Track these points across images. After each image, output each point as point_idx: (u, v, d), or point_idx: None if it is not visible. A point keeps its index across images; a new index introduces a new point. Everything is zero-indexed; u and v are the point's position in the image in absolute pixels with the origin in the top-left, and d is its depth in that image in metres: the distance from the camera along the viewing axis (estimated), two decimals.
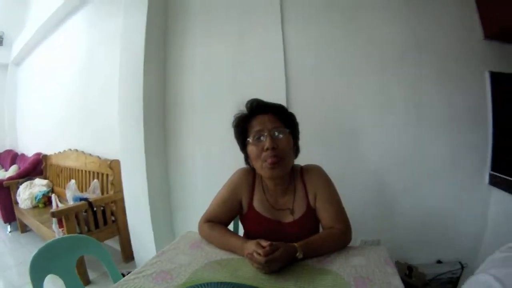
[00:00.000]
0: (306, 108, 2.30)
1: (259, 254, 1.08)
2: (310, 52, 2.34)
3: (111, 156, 3.19)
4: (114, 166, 3.03)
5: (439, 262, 2.29)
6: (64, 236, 1.56)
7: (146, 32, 2.53)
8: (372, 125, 2.30)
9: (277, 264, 1.08)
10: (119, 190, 2.99)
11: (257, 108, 1.31)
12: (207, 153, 2.60)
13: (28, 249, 3.99)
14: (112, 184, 3.06)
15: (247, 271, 1.11)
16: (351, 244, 1.30)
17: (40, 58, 5.58)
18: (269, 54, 2.38)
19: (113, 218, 3.10)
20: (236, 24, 2.49)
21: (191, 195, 2.71)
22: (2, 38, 6.69)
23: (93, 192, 3.22)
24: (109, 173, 3.10)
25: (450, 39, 2.20)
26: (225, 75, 2.52)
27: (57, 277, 1.37)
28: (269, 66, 2.37)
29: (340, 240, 1.25)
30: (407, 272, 2.20)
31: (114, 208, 3.08)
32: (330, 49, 2.31)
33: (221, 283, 0.81)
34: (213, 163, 2.54)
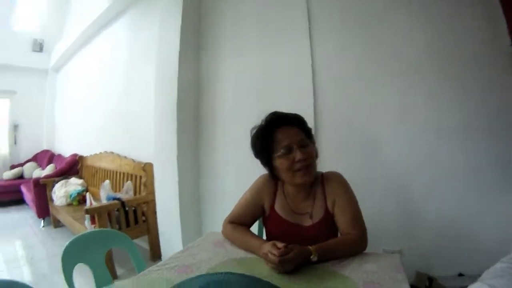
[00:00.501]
0: (331, 117, 2.38)
1: (274, 254, 1.15)
2: (335, 64, 2.41)
3: (145, 159, 3.37)
4: (147, 168, 3.19)
5: (460, 275, 2.25)
6: (97, 229, 1.70)
7: (181, 41, 2.70)
8: (393, 132, 2.32)
9: (290, 265, 1.15)
10: (151, 191, 3.15)
11: (278, 121, 1.39)
12: (237, 158, 2.70)
13: (60, 243, 4.23)
14: (144, 185, 3.23)
15: (262, 270, 1.18)
16: (369, 250, 1.34)
17: (78, 65, 5.97)
18: (297, 64, 2.47)
19: (143, 218, 3.27)
20: (266, 35, 2.62)
21: (221, 198, 2.83)
22: (42, 45, 7.16)
23: (126, 193, 3.41)
24: (142, 175, 3.27)
25: (474, 46, 2.16)
26: (255, 84, 2.64)
27: (86, 269, 1.52)
28: (298, 76, 2.46)
29: (355, 245, 1.30)
30: (427, 284, 2.19)
31: (145, 209, 3.25)
32: (353, 61, 2.38)
33: (242, 274, 0.87)
34: (242, 168, 2.61)
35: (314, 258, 1.19)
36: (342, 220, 1.36)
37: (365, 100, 2.35)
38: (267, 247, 1.21)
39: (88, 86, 5.35)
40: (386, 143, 2.34)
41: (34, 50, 7.14)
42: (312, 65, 2.42)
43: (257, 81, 2.63)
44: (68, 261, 1.46)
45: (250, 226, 1.53)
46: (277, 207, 1.46)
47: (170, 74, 2.79)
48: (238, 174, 2.69)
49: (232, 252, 1.39)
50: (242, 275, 0.86)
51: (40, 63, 7.22)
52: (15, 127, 7.32)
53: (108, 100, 4.54)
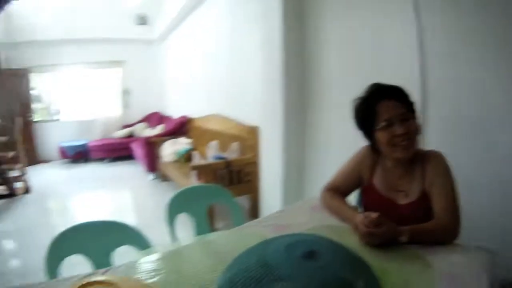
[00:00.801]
0: (441, 91, 2.16)
1: (364, 225, 1.18)
2: (444, 38, 2.17)
3: (252, 122, 3.56)
4: (254, 131, 3.40)
5: None
6: (202, 184, 1.93)
7: (284, 6, 2.76)
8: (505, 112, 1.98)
9: (376, 239, 1.16)
10: (256, 154, 3.36)
11: (380, 94, 1.37)
12: (341, 127, 2.68)
13: (166, 194, 4.69)
14: (250, 148, 3.46)
15: (350, 241, 1.15)
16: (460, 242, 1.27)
17: (183, 34, 6.45)
18: (402, 35, 2.29)
19: (247, 178, 3.50)
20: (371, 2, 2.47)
21: (324, 166, 2.86)
22: (145, 19, 7.96)
23: (232, 153, 3.68)
24: (249, 137, 3.50)
25: None
26: (360, 50, 2.53)
27: (188, 220, 1.76)
28: (402, 48, 2.30)
29: (447, 233, 1.25)
30: None
31: (249, 170, 3.48)
32: (465, 36, 2.10)
33: (330, 240, 0.88)
34: (346, 137, 2.55)
35: (403, 239, 1.18)
36: (437, 203, 1.32)
37: (476, 77, 2.07)
38: (359, 218, 1.23)
39: (194, 52, 5.74)
40: (495, 124, 2.02)
41: (138, 24, 7.97)
42: (419, 35, 2.21)
43: (362, 47, 2.53)
44: (173, 209, 1.71)
45: (347, 196, 1.55)
46: (376, 181, 1.47)
47: (274, 39, 2.86)
48: (342, 143, 2.62)
49: (327, 219, 1.44)
50: (330, 240, 0.88)
51: (146, 35, 8.03)
52: (126, 92, 8.28)
53: (215, 65, 4.80)
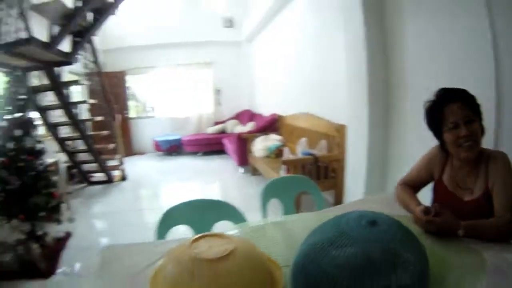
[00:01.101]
0: None
1: (424, 213, 1.36)
2: None
3: (339, 120, 3.83)
4: (340, 130, 3.69)
5: None
6: (292, 175, 2.31)
7: (364, 8, 2.95)
8: None
9: (433, 226, 1.31)
10: (342, 151, 3.67)
11: (446, 97, 1.48)
12: (423, 127, 2.79)
13: (255, 186, 5.25)
14: (337, 145, 3.78)
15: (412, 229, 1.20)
16: None
17: (270, 34, 6.94)
18: (475, 37, 2.26)
19: (333, 174, 3.85)
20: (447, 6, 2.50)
21: (405, 163, 2.90)
22: (232, 22, 8.69)
23: (320, 150, 4.04)
24: (336, 135, 3.79)
25: None
26: (437, 54, 2.58)
27: (277, 206, 2.16)
28: (476, 49, 2.26)
29: (504, 230, 1.31)
30: None
31: (335, 166, 3.82)
32: None
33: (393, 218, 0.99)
34: (427, 137, 2.68)
35: (460, 233, 1.29)
36: (498, 201, 1.38)
37: None
38: (420, 207, 1.40)
39: (282, 53, 6.13)
40: None
41: (225, 26, 8.73)
42: (493, 36, 2.13)
43: (438, 48, 2.58)
44: (266, 194, 2.12)
45: (418, 190, 1.70)
46: (444, 178, 1.59)
47: (357, 41, 3.07)
48: (423, 142, 2.78)
49: (397, 209, 1.61)
50: (391, 217, 0.99)
51: (233, 37, 8.77)
52: (217, 91, 9.08)
53: (303, 65, 5.09)
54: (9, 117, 3.11)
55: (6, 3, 3.99)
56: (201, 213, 1.76)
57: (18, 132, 3.07)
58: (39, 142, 3.30)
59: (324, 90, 4.39)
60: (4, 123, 3.08)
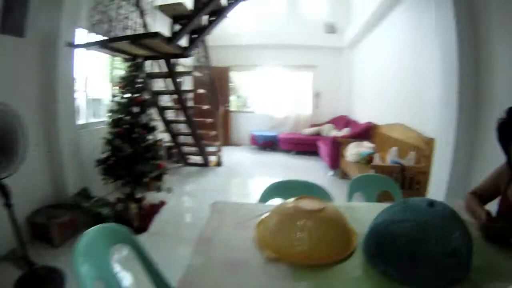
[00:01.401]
0: None
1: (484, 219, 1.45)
2: None
3: (429, 133, 3.85)
4: (429, 143, 3.70)
5: None
6: (378, 174, 2.50)
7: (457, 26, 2.97)
8: None
9: (490, 231, 1.41)
10: (429, 164, 3.65)
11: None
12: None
13: (342, 191, 5.27)
14: (425, 157, 3.78)
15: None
16: None
17: (370, 43, 7.02)
18: None
19: (417, 186, 3.84)
20: None
21: None
22: (334, 27, 8.79)
23: (409, 161, 4.06)
24: (425, 148, 3.80)
25: None
26: None
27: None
28: None
29: None
30: None
31: (420, 178, 3.80)
32: None
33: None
34: None
35: None
36: None
37: None
38: (483, 214, 1.49)
39: (381, 62, 6.20)
40: None
41: (327, 32, 8.88)
42: None
43: None
44: (353, 187, 2.39)
45: (486, 202, 1.73)
46: (509, 193, 1.60)
47: (450, 62, 3.08)
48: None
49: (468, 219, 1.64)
50: (449, 206, 1.21)
51: (335, 42, 8.86)
52: (316, 95, 9.31)
53: (399, 75, 5.14)
54: (129, 95, 3.71)
55: (131, 3, 4.77)
56: (296, 190, 1.96)
57: (135, 109, 3.67)
58: (152, 120, 3.89)
59: (417, 102, 4.41)
60: (124, 100, 3.69)
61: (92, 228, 1.33)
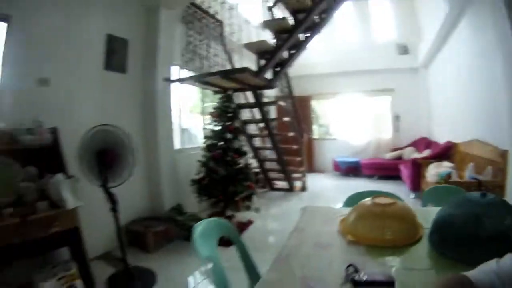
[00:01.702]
0: None
1: None
2: None
3: (502, 145, 3.88)
4: (504, 155, 3.76)
5: None
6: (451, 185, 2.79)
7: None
8: None
9: None
10: (504, 177, 3.74)
11: None
12: None
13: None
14: (500, 170, 3.85)
15: None
16: None
17: (442, 61, 7.09)
18: None
19: None
20: None
21: None
22: (406, 48, 8.98)
23: (486, 176, 4.15)
24: (500, 161, 3.86)
25: None
26: None
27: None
28: None
29: None
30: None
31: (497, 192, 3.77)
32: None
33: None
34: None
35: None
36: None
37: None
38: None
39: (454, 78, 6.24)
40: None
41: (400, 53, 9.08)
42: None
43: None
44: (426, 197, 2.84)
45: None
46: None
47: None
48: None
49: None
50: (500, 197, 1.46)
51: (409, 63, 8.99)
52: (396, 118, 9.45)
53: (472, 90, 5.16)
54: (221, 124, 4.36)
55: (218, 42, 5.53)
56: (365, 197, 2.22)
57: (228, 135, 4.31)
58: (243, 145, 4.50)
59: (492, 114, 4.41)
60: (218, 128, 4.34)
61: (206, 219, 1.90)
